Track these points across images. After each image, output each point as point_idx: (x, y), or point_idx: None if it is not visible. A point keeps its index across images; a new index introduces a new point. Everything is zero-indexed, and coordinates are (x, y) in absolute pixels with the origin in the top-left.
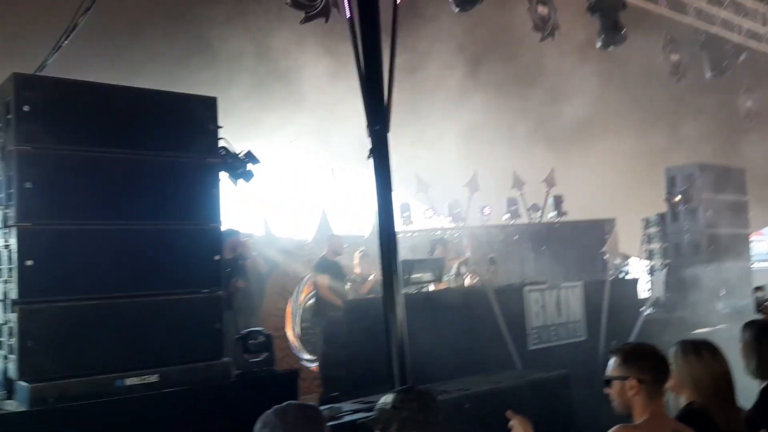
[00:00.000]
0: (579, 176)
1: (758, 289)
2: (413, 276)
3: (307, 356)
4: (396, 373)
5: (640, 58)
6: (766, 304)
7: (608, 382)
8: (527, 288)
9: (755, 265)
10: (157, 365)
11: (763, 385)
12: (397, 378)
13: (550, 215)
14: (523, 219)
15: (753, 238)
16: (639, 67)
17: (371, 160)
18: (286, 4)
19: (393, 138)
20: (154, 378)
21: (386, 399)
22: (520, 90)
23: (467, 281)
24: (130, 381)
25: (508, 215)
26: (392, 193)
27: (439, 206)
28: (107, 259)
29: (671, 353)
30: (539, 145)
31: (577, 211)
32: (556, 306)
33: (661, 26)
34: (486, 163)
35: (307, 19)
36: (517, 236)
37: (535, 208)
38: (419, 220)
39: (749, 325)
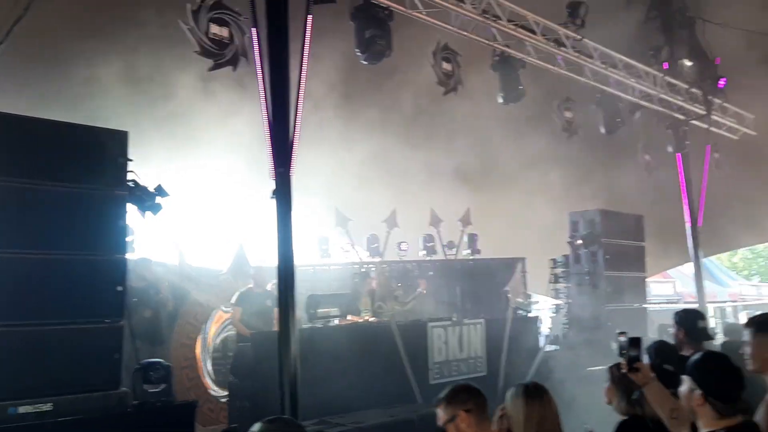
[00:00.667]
0: (494, 216)
1: (621, 334)
2: (320, 310)
3: (218, 390)
4: (287, 406)
5: (539, 114)
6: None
7: (443, 430)
8: (431, 324)
9: (653, 306)
10: (53, 394)
11: (624, 419)
12: (288, 412)
13: (465, 252)
14: (439, 255)
15: (658, 279)
16: (539, 120)
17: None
18: (195, 52)
19: (313, 172)
20: (47, 407)
21: (253, 428)
22: (438, 131)
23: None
24: (23, 409)
25: (425, 251)
26: (292, 232)
27: (358, 240)
28: (7, 287)
29: (509, 395)
30: (457, 185)
31: (491, 249)
32: (459, 342)
33: (561, 85)
34: (405, 200)
35: (216, 67)
36: (431, 272)
37: (450, 245)
38: (337, 253)
39: (612, 368)
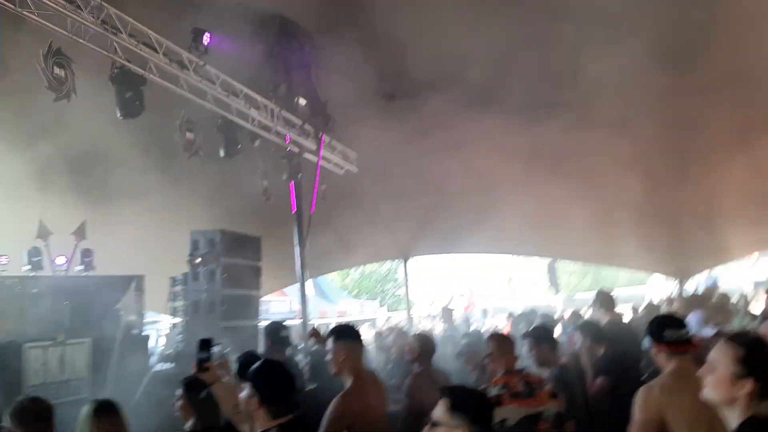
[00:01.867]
0: (114, 231)
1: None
2: None
3: None
4: None
5: (163, 131)
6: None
7: None
8: (27, 345)
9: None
10: None
11: None
12: None
13: (78, 268)
14: (47, 271)
15: (277, 297)
16: (163, 137)
17: None
18: None
19: None
20: None
21: None
22: (46, 138)
23: None
24: None
25: (30, 266)
26: None
27: None
28: None
29: (83, 410)
30: (72, 196)
31: (111, 266)
32: (60, 363)
33: (185, 105)
34: (7, 209)
35: None
36: (36, 289)
37: (61, 260)
38: None
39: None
